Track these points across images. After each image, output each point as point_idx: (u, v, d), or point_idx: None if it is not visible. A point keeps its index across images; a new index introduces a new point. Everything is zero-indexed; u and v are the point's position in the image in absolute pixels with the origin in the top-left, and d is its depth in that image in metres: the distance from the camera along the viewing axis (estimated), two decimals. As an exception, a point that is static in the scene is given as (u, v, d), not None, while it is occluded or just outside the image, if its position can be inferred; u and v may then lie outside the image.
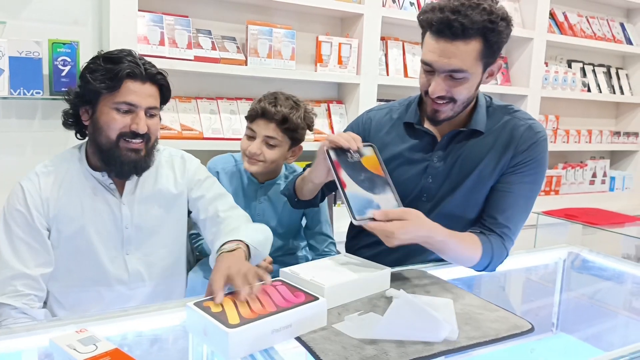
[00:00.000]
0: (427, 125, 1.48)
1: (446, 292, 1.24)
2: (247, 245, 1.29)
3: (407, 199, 1.45)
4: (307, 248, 1.90)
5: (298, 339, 0.99)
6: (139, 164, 1.38)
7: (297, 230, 1.85)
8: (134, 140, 1.35)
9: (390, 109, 1.59)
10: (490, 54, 1.31)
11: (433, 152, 1.46)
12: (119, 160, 1.35)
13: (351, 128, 1.60)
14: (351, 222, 1.19)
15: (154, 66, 1.39)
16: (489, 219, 1.43)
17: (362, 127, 1.58)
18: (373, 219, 1.18)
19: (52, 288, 1.39)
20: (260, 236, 1.39)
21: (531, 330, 1.10)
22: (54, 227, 1.37)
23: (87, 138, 1.43)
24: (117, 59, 1.34)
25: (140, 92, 1.34)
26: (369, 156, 1.27)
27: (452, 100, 1.35)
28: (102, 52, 1.39)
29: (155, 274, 1.46)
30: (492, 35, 1.26)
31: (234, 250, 1.24)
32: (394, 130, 1.53)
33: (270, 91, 1.72)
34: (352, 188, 1.21)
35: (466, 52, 1.27)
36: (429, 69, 1.34)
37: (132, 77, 1.33)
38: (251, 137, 1.66)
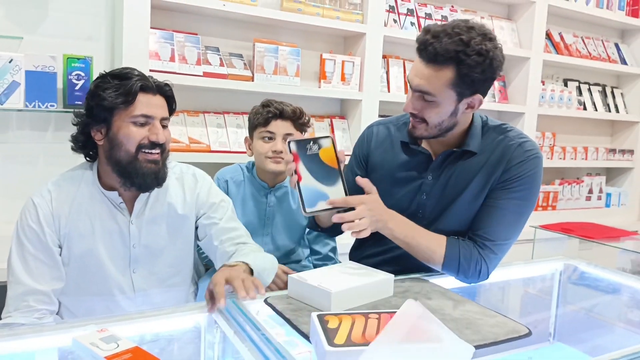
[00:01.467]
0: (423, 144, 1.52)
1: (447, 299, 1.28)
2: (250, 269, 1.33)
3: (404, 214, 1.47)
4: (309, 258, 1.95)
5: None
6: (159, 174, 1.40)
7: (302, 235, 1.91)
8: (153, 151, 1.38)
9: (390, 124, 1.62)
10: (463, 85, 1.30)
11: (427, 170, 1.49)
12: (141, 172, 1.37)
13: (358, 144, 1.65)
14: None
15: (161, 81, 1.43)
16: (471, 232, 1.45)
17: (366, 141, 1.62)
18: (324, 210, 1.25)
19: (63, 300, 1.42)
20: (267, 264, 1.44)
21: (528, 334, 1.14)
22: (65, 244, 1.38)
23: (96, 159, 1.45)
24: (125, 74, 1.37)
25: (153, 104, 1.38)
26: (327, 148, 1.28)
27: (424, 120, 1.38)
28: (105, 72, 1.41)
29: (161, 290, 1.49)
30: (463, 67, 1.27)
31: (235, 265, 1.30)
32: (391, 147, 1.56)
33: (261, 102, 1.83)
34: (306, 181, 1.24)
35: (436, 77, 1.30)
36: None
37: (145, 89, 1.37)
38: (270, 139, 1.77)
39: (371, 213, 1.30)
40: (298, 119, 1.80)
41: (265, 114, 1.78)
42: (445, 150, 1.48)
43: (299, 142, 1.25)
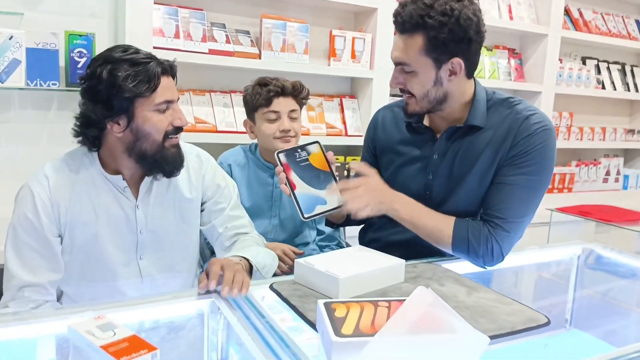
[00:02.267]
0: (428, 123, 1.49)
1: (460, 285, 1.23)
2: (250, 265, 1.31)
3: (412, 196, 1.45)
4: (316, 242, 1.92)
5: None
6: (182, 157, 1.36)
7: None
8: (177, 136, 1.33)
9: (394, 106, 1.61)
10: (436, 49, 1.30)
11: (433, 149, 1.46)
12: (170, 159, 1.32)
13: (366, 132, 1.67)
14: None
15: (167, 60, 1.35)
16: (482, 212, 1.41)
17: (373, 128, 1.64)
18: (323, 213, 1.27)
19: (65, 289, 1.38)
20: (267, 260, 1.41)
21: (547, 323, 1.09)
22: (66, 233, 1.32)
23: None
24: (141, 60, 1.26)
25: (171, 87, 1.31)
26: (316, 153, 1.31)
27: (412, 94, 1.38)
28: (109, 55, 1.27)
29: (169, 275, 1.45)
30: (431, 30, 1.27)
31: (236, 262, 1.27)
32: (396, 128, 1.55)
33: (250, 83, 1.79)
34: (301, 188, 1.26)
35: (409, 46, 1.31)
36: None
37: (164, 73, 1.29)
38: (274, 120, 1.72)
39: (371, 194, 1.31)
40: (299, 94, 1.76)
41: (265, 94, 1.72)
42: (449, 126, 1.44)
43: (288, 152, 1.28)
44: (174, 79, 1.35)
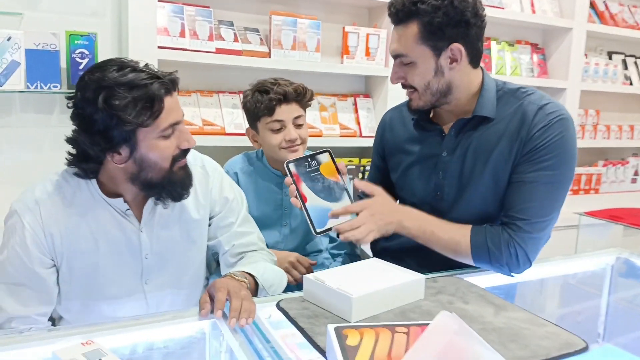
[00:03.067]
0: (435, 119, 1.42)
1: (486, 303, 1.12)
2: (256, 283, 1.24)
3: (423, 198, 1.42)
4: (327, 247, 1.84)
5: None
6: (190, 176, 1.26)
7: None
8: (184, 158, 1.23)
9: (402, 106, 1.56)
10: (433, 36, 1.26)
11: (442, 146, 1.39)
12: (178, 184, 1.22)
13: (375, 133, 1.63)
14: None
15: (168, 72, 1.21)
16: (502, 215, 1.32)
17: (380, 130, 1.60)
18: (332, 228, 1.21)
19: (67, 317, 1.29)
20: (275, 279, 1.32)
21: (585, 348, 0.98)
22: (63, 262, 1.22)
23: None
24: (139, 82, 1.11)
25: (175, 106, 1.18)
26: (326, 163, 1.26)
27: (413, 88, 1.33)
28: (104, 77, 1.11)
29: (175, 299, 1.36)
30: (424, 16, 1.24)
31: (241, 281, 1.18)
32: (404, 128, 1.50)
33: (248, 88, 1.68)
34: (312, 200, 1.20)
35: (405, 36, 1.28)
36: None
37: (167, 93, 1.15)
38: (278, 130, 1.61)
39: (376, 218, 1.24)
40: (302, 98, 1.63)
41: (267, 102, 1.59)
42: (457, 120, 1.36)
43: (297, 162, 1.22)
44: (176, 91, 1.22)
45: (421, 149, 1.44)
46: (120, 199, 1.23)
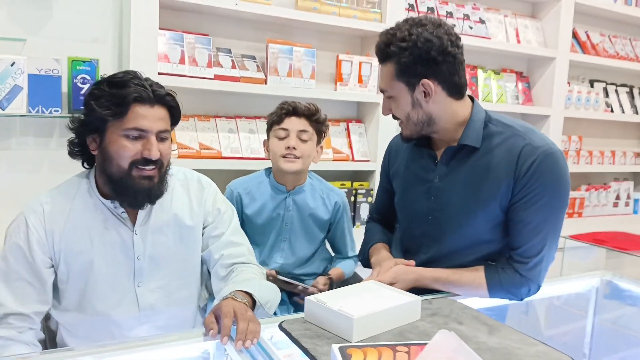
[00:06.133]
0: (434, 147, 1.49)
1: (480, 324, 1.17)
2: (254, 301, 1.28)
3: (417, 221, 1.49)
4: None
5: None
6: (153, 191, 1.31)
7: (321, 243, 1.86)
8: (146, 167, 1.28)
9: None
10: (405, 73, 1.35)
11: (434, 171, 1.46)
12: (132, 190, 1.28)
13: (383, 159, 1.71)
14: None
15: (162, 87, 1.32)
16: (509, 251, 1.41)
17: (387, 155, 1.68)
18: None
19: (62, 319, 1.34)
20: (271, 295, 1.37)
21: (574, 367, 1.03)
22: (61, 261, 1.30)
23: (94, 166, 1.36)
24: (121, 82, 1.26)
25: (149, 116, 1.26)
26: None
27: (399, 119, 1.44)
28: (105, 76, 1.32)
29: (167, 306, 1.40)
30: (395, 56, 1.35)
31: (243, 303, 1.22)
32: (405, 152, 1.57)
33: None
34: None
35: (385, 74, 1.40)
36: None
37: (140, 100, 1.25)
38: (282, 138, 1.73)
39: (401, 285, 1.38)
40: (312, 115, 1.76)
41: (279, 112, 1.76)
42: (446, 148, 1.44)
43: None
44: (168, 109, 1.32)
45: (417, 174, 1.50)
46: (117, 202, 1.32)
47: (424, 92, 1.36)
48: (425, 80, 1.35)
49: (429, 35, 1.32)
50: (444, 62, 1.34)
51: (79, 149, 1.34)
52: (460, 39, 1.37)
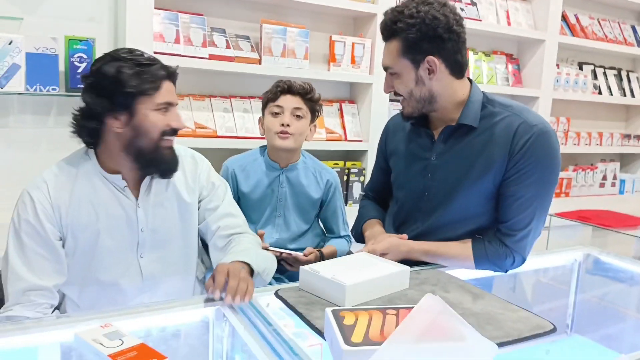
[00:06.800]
0: (431, 125, 1.53)
1: (465, 292, 1.23)
2: (251, 270, 1.33)
3: (412, 197, 1.54)
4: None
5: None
6: (175, 160, 1.40)
7: (314, 218, 1.90)
8: (172, 138, 1.37)
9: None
10: (411, 50, 1.39)
11: (432, 151, 1.50)
12: (163, 160, 1.36)
13: (379, 140, 1.75)
14: None
15: (170, 66, 1.40)
16: (498, 224, 1.46)
17: (384, 135, 1.72)
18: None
19: (67, 291, 1.38)
20: (267, 264, 1.43)
21: (553, 330, 1.10)
22: (68, 235, 1.34)
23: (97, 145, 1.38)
24: (146, 61, 1.33)
25: (172, 91, 1.37)
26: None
27: (402, 96, 1.47)
28: (116, 54, 1.33)
29: (169, 275, 1.45)
30: (402, 33, 1.38)
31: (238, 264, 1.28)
32: (403, 132, 1.61)
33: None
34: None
35: (390, 51, 1.43)
36: None
37: (167, 77, 1.35)
38: (277, 114, 1.77)
39: (392, 255, 1.43)
40: (307, 94, 1.79)
41: (274, 89, 1.79)
42: (445, 127, 1.48)
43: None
44: (174, 85, 1.39)
45: (414, 152, 1.55)
46: (119, 176, 1.37)
47: (428, 69, 1.40)
48: (430, 57, 1.38)
49: (435, 12, 1.35)
50: (449, 40, 1.38)
51: (91, 129, 1.34)
52: (463, 19, 1.42)
